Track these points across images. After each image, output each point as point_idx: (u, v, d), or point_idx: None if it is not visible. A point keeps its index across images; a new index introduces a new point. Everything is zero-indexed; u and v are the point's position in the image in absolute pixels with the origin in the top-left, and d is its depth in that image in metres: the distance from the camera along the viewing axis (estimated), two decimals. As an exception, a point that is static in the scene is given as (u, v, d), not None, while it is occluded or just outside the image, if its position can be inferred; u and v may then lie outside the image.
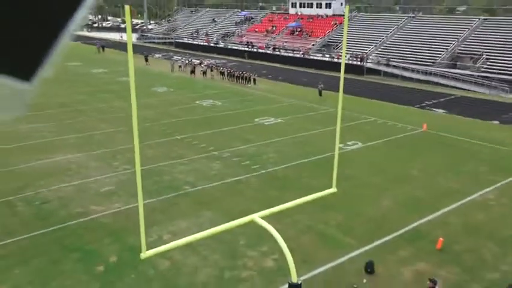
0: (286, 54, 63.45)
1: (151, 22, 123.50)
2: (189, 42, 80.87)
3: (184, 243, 7.96)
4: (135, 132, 6.67)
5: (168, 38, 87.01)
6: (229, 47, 72.74)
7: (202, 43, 78.11)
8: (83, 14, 1.00)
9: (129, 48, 6.05)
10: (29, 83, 1.00)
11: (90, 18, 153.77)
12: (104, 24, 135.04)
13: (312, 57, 60.32)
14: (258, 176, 20.78)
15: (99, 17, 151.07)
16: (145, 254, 7.38)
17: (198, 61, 59.46)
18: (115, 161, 22.56)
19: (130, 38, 5.93)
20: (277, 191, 18.94)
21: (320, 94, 39.32)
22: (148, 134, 26.83)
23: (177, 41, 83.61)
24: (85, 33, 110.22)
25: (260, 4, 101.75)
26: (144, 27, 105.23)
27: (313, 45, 63.50)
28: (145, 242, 7.32)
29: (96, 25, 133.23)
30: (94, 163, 22.28)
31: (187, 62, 58.67)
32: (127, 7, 5.73)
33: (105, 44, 77.32)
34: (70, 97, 37.48)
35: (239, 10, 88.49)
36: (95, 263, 13.48)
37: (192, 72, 49.74)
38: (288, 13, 76.16)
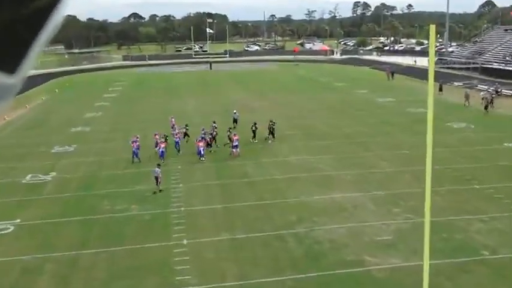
0: None
1: (452, 44, 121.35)
2: (500, 68, 75.94)
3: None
4: (428, 175, 6.39)
5: (473, 63, 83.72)
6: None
7: (517, 69, 72.25)
8: (64, 8, 1.18)
9: (431, 74, 5.87)
10: (14, 76, 1.16)
11: (382, 40, 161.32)
12: (396, 47, 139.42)
13: None
14: None
15: (392, 39, 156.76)
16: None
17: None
18: (396, 206, 22.54)
19: (432, 62, 5.74)
20: None
21: None
22: (439, 178, 25.87)
23: (483, 66, 79.66)
24: (375, 57, 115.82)
25: None
26: (443, 50, 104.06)
27: None
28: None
29: (387, 48, 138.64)
30: (372, 206, 22.74)
31: (493, 93, 55.03)
32: (432, 26, 5.58)
33: (395, 70, 79.48)
34: (352, 127, 39.53)
35: None
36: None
37: (488, 105, 45.89)
38: None
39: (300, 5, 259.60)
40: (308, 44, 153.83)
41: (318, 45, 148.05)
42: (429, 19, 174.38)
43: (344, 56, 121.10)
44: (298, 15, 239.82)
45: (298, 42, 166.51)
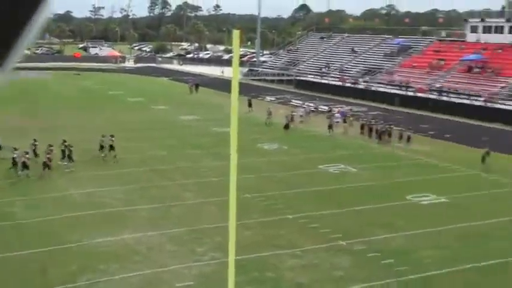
0: (458, 100, 62.17)
1: (265, 52, 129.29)
2: (316, 80, 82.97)
3: None
4: (233, 208, 6.86)
5: (287, 75, 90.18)
6: (373, 88, 73.22)
7: (334, 82, 79.67)
8: (49, 4, 1.48)
9: (234, 88, 6.35)
10: (1, 69, 1.46)
11: (184, 46, 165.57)
12: (201, 55, 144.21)
13: (499, 106, 58.35)
14: (407, 284, 20.06)
15: (196, 45, 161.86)
16: None
17: (327, 108, 60.52)
18: (199, 245, 23.26)
19: (237, 74, 6.26)
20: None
21: (483, 160, 37.28)
22: (248, 208, 27.35)
23: (298, 78, 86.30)
24: (176, 66, 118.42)
25: (423, 28, 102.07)
26: (255, 60, 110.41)
27: (502, 88, 61.57)
28: None
29: (191, 55, 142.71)
30: (171, 246, 23.17)
31: (312, 109, 59.95)
32: (236, 32, 6.02)
33: (200, 82, 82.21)
34: (148, 152, 39.93)
35: (391, 36, 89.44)
36: None
37: (288, 123, 50.14)
38: (465, 41, 75.25)
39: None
40: (93, 49, 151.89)
41: (105, 51, 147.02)
42: (239, 22, 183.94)
43: (138, 65, 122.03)
44: (80, 12, 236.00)
45: (81, 46, 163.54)
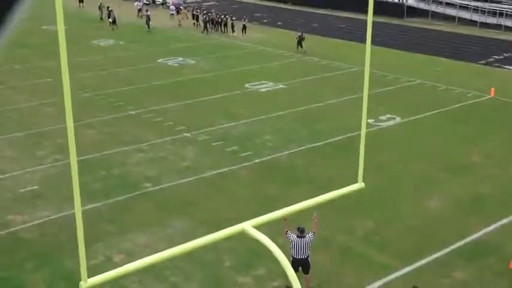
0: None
1: None
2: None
3: (144, 266, 7.96)
4: (68, 108, 6.60)
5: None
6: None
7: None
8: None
9: None
10: None
11: None
12: None
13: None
14: (250, 168, 20.80)
15: None
16: (87, 282, 7.35)
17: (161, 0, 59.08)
18: (40, 148, 22.50)
19: None
20: (277, 188, 19.01)
21: (299, 44, 39.23)
22: (89, 107, 26.74)
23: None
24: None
25: None
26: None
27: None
28: (87, 266, 7.32)
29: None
30: (9, 152, 22.22)
31: (146, 1, 58.25)
32: None
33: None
34: (-28, 55, 37.21)
35: None
36: (15, 297, 13.51)
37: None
38: None
39: None
40: None
41: None
42: None
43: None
44: None
45: None
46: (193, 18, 49.21)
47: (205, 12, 49.77)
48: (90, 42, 41.50)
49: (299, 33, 39.66)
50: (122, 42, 42.08)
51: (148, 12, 48.02)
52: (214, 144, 22.97)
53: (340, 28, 48.70)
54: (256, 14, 53.55)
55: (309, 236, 13.19)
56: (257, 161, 21.38)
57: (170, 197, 18.59)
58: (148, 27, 46.81)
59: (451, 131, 24.43)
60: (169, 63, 36.13)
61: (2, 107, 27.42)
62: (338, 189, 9.74)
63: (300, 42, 39.23)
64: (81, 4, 57.18)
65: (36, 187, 19.29)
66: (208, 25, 46.75)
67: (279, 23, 49.71)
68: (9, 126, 25.01)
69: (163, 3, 56.32)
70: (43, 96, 28.85)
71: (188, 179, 19.85)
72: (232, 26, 45.41)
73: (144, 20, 48.47)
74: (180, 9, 52.17)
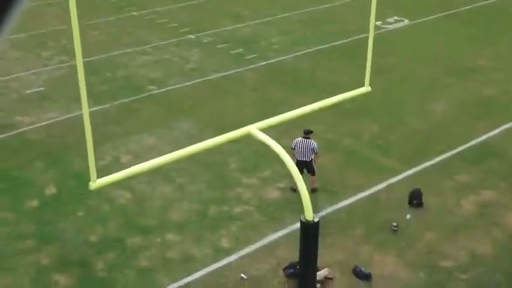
0: None
1: None
2: None
3: (151, 167, 8.06)
4: (73, 10, 6.48)
5: None
6: None
7: None
8: None
9: None
10: None
11: None
12: None
13: None
14: (256, 70, 20.70)
15: None
16: (96, 183, 7.47)
17: None
18: (44, 49, 22.36)
19: None
20: (283, 91, 18.98)
21: None
22: (91, 8, 26.31)
23: None
24: None
25: None
26: None
27: None
28: (96, 167, 7.42)
29: None
30: (14, 53, 22.09)
31: None
32: None
33: None
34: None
35: None
36: (26, 196, 13.78)
37: None
38: None
39: None
40: None
41: None
42: None
43: None
44: None
45: None
46: None
47: None
48: None
49: None
50: None
51: None
52: (219, 46, 22.76)
53: None
54: None
55: (313, 141, 13.29)
56: (262, 63, 21.24)
57: (175, 99, 18.61)
58: None
59: (459, 34, 24.08)
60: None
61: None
62: (344, 92, 9.74)
63: None
64: None
65: (42, 88, 19.30)
66: None
67: None
68: (12, 27, 24.68)
69: None
70: (45, -4, 28.38)
71: (193, 82, 19.80)
72: None
73: None
74: None
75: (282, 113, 9.11)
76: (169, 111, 17.86)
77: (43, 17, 25.66)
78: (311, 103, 9.47)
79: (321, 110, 9.73)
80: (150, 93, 19.03)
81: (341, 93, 9.74)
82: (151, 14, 26.07)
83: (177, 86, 19.51)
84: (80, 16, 6.03)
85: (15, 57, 21.73)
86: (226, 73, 20.43)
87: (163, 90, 19.22)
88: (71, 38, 6.02)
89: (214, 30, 24.21)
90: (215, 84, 19.64)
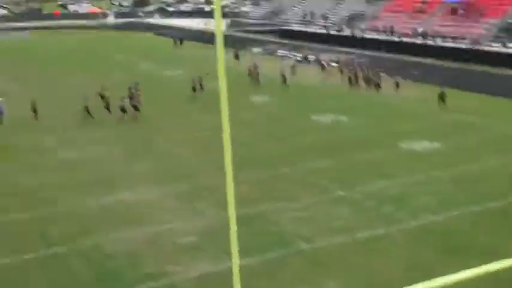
0: (444, 44, 61.94)
1: (246, 2, 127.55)
2: (301, 29, 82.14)
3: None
4: (228, 163, 6.74)
5: (270, 25, 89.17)
6: (358, 35, 72.63)
7: (319, 30, 78.93)
8: None
9: (219, 41, 6.22)
10: None
11: (164, 0, 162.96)
12: (181, 8, 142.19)
13: (485, 48, 58.17)
14: (406, 230, 20.32)
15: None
16: None
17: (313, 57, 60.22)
18: (199, 200, 23.33)
19: (220, 25, 6.14)
20: (436, 253, 18.39)
21: (442, 100, 38.26)
22: (243, 163, 27.26)
23: (282, 28, 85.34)
24: (157, 20, 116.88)
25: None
26: (237, 10, 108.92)
27: (486, 29, 61.35)
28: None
29: (171, 9, 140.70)
30: (171, 203, 23.22)
31: (299, 59, 59.82)
32: None
33: (182, 36, 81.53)
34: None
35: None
36: None
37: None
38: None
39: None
40: (72, 6, 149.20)
41: (85, 7, 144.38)
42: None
43: (119, 20, 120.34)
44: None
45: (59, 3, 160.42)
46: (349, 78, 48.78)
47: (354, 67, 49.86)
48: (246, 98, 42.75)
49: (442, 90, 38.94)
50: (275, 98, 43.08)
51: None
52: (368, 203, 22.70)
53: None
54: (413, 71, 52.65)
55: None
56: (413, 223, 20.82)
57: (324, 256, 18.52)
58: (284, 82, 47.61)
59: None
60: (322, 121, 36.24)
61: (165, 157, 28.84)
62: (503, 259, 9.18)
63: (441, 97, 38.39)
64: (236, 60, 59.54)
65: (196, 239, 19.96)
66: (358, 81, 46.89)
67: (433, 80, 48.42)
68: (170, 178, 26.09)
69: (315, 60, 57.26)
70: (200, 150, 30.01)
71: (341, 239, 19.68)
72: (380, 84, 45.26)
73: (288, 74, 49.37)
74: (329, 64, 53.09)
75: (432, 278, 8.72)
76: (317, 267, 17.78)
77: (198, 172, 26.99)
78: (464, 269, 8.98)
79: (484, 277, 9.19)
80: (298, 248, 19.09)
81: (500, 259, 9.20)
82: (302, 170, 26.54)
83: (325, 243, 19.45)
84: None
85: (172, 208, 22.78)
86: (374, 232, 20.17)
87: (311, 246, 19.25)
88: (223, 190, 6.25)
89: (364, 188, 24.25)
90: (364, 243, 19.39)
